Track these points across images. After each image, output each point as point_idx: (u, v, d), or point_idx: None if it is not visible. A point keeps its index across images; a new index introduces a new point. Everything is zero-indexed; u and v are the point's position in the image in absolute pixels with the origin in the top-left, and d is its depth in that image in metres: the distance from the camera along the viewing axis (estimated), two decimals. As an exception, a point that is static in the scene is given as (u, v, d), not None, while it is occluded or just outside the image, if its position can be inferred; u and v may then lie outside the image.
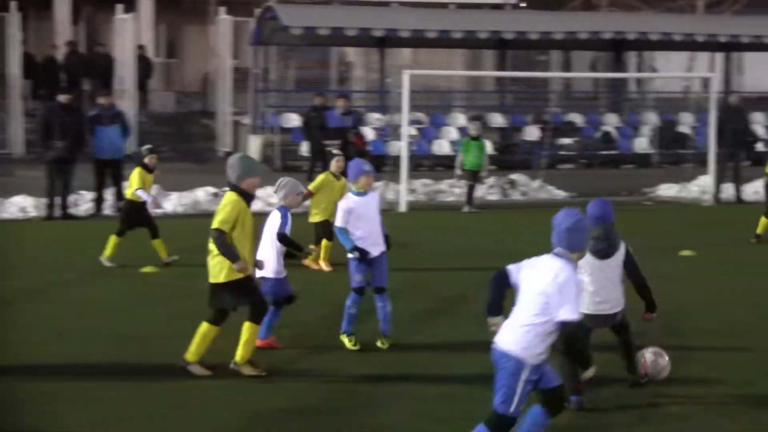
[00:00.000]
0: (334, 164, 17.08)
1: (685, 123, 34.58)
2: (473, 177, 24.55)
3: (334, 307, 13.10)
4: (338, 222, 12.30)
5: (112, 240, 17.34)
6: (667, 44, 35.50)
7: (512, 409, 8.30)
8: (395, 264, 17.31)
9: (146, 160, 17.28)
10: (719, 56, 38.61)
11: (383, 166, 26.33)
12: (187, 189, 24.80)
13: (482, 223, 22.86)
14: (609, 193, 23.93)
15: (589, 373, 8.69)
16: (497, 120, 33.36)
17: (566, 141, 32.83)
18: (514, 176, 27.90)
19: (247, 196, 11.05)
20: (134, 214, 17.39)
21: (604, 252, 10.25)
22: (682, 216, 24.00)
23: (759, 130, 34.22)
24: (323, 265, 16.88)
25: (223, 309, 11.25)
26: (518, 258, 8.60)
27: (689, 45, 36.86)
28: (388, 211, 24.33)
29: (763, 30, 35.29)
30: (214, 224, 10.94)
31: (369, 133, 30.85)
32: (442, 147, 31.93)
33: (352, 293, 12.29)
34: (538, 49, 40.30)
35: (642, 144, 33.42)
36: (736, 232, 20.36)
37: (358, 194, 12.36)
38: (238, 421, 9.99)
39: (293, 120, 31.51)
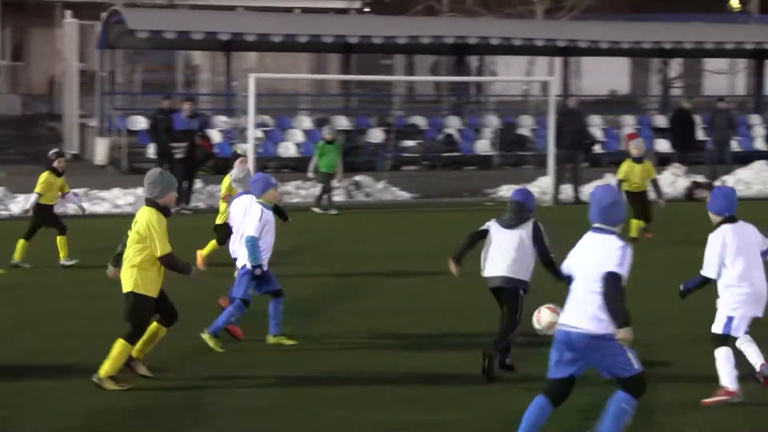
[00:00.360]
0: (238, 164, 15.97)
1: (525, 125, 35.51)
2: (327, 180, 24.91)
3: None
4: (253, 232, 12.30)
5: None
6: (507, 48, 36.42)
7: (637, 366, 8.75)
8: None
9: (54, 164, 17.37)
10: (558, 60, 39.64)
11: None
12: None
13: (330, 224, 23.21)
14: (452, 194, 24.48)
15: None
16: (342, 123, 33.80)
17: (410, 143, 33.44)
18: (358, 178, 28.31)
19: (166, 211, 11.02)
20: (42, 216, 17.36)
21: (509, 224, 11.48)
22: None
23: (596, 132, 35.29)
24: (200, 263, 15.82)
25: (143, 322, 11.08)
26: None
27: (529, 49, 37.85)
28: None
29: (600, 35, 36.45)
30: (161, 252, 10.78)
31: (215, 135, 30.99)
32: (288, 149, 32.23)
33: (241, 304, 12.36)
34: (382, 53, 40.87)
35: (483, 146, 34.21)
36: (575, 232, 20.93)
37: (267, 207, 12.48)
38: (75, 420, 10.12)
39: (140, 123, 31.45)
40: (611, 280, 8.69)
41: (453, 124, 35.01)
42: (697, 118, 32.72)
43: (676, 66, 46.22)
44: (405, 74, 42.55)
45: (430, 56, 42.79)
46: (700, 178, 29.02)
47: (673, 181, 29.37)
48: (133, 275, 10.92)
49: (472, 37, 34.19)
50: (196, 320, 12.49)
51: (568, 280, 9.15)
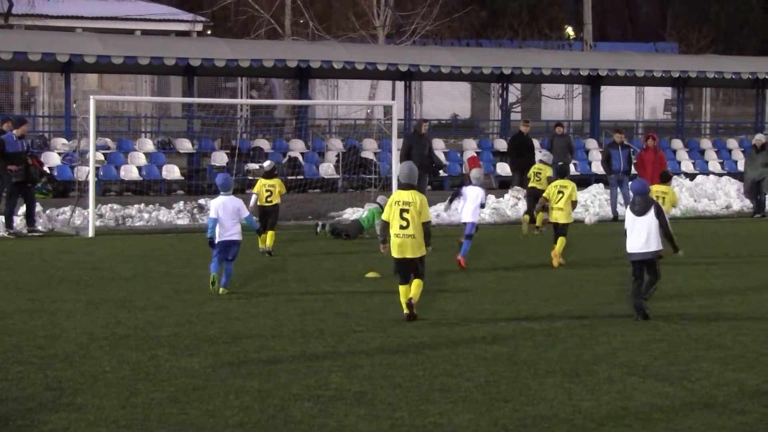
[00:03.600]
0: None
1: (369, 149, 35.67)
2: None
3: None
4: (212, 214, 16.67)
5: None
6: (351, 72, 36.56)
7: None
8: (81, 288, 17.24)
9: None
10: (400, 85, 39.95)
11: (69, 191, 25.86)
12: None
13: (171, 247, 22.88)
14: (296, 217, 24.35)
15: None
16: (185, 145, 33.48)
17: (254, 166, 33.25)
18: (202, 201, 28.02)
19: None
20: None
21: None
22: (371, 240, 24.40)
23: (440, 156, 35.66)
24: None
25: None
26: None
27: (371, 73, 38.06)
28: (74, 236, 24.21)
29: (442, 60, 36.86)
30: None
31: (55, 158, 30.38)
32: (130, 172, 31.74)
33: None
34: (225, 75, 40.65)
35: (327, 169, 34.25)
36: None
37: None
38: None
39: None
40: None
41: (297, 147, 34.97)
42: (536, 142, 33.30)
43: (515, 91, 47.15)
44: (248, 97, 42.34)
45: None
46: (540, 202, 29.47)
47: (514, 204, 29.82)
48: None
49: (315, 60, 34.23)
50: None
51: None
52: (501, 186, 34.00)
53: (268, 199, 21.62)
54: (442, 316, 15.18)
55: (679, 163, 39.15)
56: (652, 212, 14.51)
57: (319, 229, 24.39)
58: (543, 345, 13.31)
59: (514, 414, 10.26)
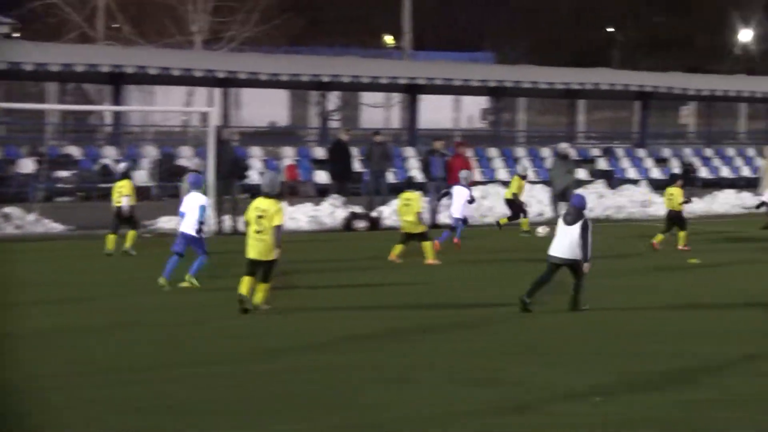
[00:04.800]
0: None
1: (185, 156, 35.04)
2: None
3: None
4: (183, 209, 18.15)
5: None
6: (166, 78, 35.88)
7: None
8: None
9: None
10: (217, 91, 39.43)
11: None
12: None
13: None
14: (106, 226, 23.60)
15: None
16: (-10, 152, 32.33)
17: (63, 174, 32.29)
18: (8, 210, 26.98)
19: None
20: None
21: None
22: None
23: (256, 163, 35.29)
24: None
25: None
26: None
27: (188, 80, 37.43)
28: None
29: (260, 67, 36.50)
30: None
31: None
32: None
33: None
34: (32, 80, 39.42)
35: (142, 177, 33.49)
36: (232, 262, 20.69)
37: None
38: None
39: None
40: None
41: (109, 154, 34.10)
42: (355, 150, 33.24)
43: (334, 99, 47.03)
44: (58, 102, 41.12)
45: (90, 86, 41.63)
46: (358, 209, 29.43)
47: (332, 211, 29.64)
48: None
49: (129, 66, 33.45)
50: None
51: None
52: (319, 194, 33.79)
53: (118, 201, 22.56)
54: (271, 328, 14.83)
55: (495, 171, 39.61)
56: (579, 225, 15.61)
57: None
58: (368, 350, 13.25)
59: (330, 420, 10.19)
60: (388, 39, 69.33)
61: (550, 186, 31.39)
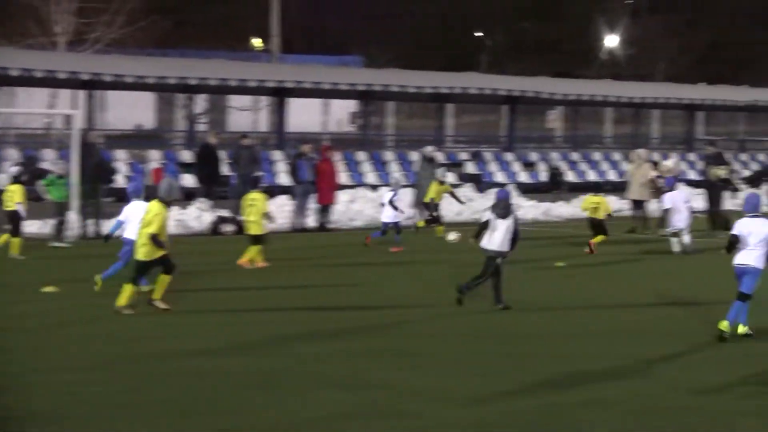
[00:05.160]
0: None
1: (48, 159, 34.28)
2: (61, 210, 25.14)
3: None
4: (121, 217, 17.91)
5: None
6: (29, 80, 35.06)
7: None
8: None
9: None
10: (82, 93, 38.67)
11: None
12: None
13: None
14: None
15: None
16: None
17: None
18: None
19: None
20: None
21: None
22: (50, 254, 23.47)
23: (122, 167, 34.69)
24: None
25: None
26: None
27: (51, 82, 36.64)
28: None
29: (126, 69, 35.93)
30: None
31: None
32: None
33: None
34: None
35: (3, 180, 32.63)
36: (94, 267, 20.33)
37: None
38: None
39: None
40: None
41: (-33, 157, 33.20)
42: (222, 154, 32.91)
43: (201, 102, 46.57)
44: None
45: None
46: (226, 213, 29.12)
47: (199, 215, 29.28)
48: None
49: (-12, 67, 32.62)
50: None
51: None
52: (186, 197, 33.32)
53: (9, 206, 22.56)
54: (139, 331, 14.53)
55: (363, 174, 39.61)
56: (512, 218, 16.50)
57: None
58: (239, 355, 13.13)
59: (182, 425, 10.10)
60: (256, 42, 69.01)
61: (416, 189, 31.47)
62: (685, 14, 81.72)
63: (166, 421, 10.26)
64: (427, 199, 27.88)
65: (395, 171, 31.63)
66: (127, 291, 15.79)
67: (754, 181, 28.70)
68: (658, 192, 28.71)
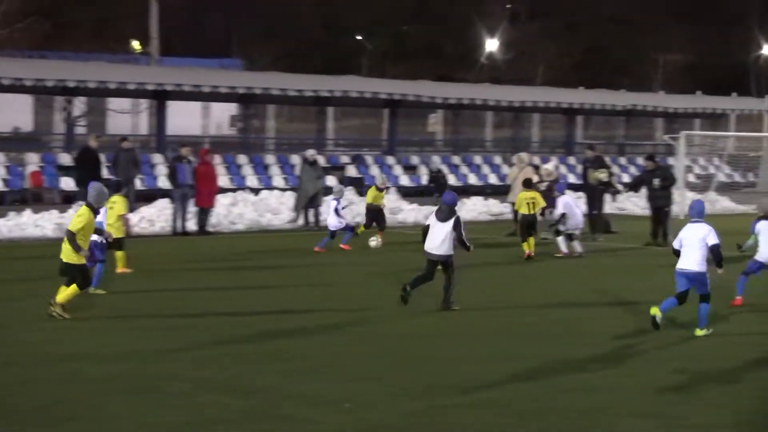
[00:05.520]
0: None
1: None
2: None
3: None
4: (100, 218, 17.11)
5: None
6: None
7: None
8: None
9: None
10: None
11: None
12: None
13: None
14: None
15: None
16: None
17: None
18: None
19: None
20: None
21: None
22: None
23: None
24: None
25: None
26: None
27: None
28: None
29: (2, 71, 35.40)
30: None
31: None
32: None
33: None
34: None
35: None
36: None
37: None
38: None
39: None
40: None
41: None
42: (102, 156, 32.41)
43: (80, 104, 45.83)
44: None
45: None
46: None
47: (77, 219, 28.74)
48: None
49: None
50: None
51: None
52: (66, 201, 32.80)
53: None
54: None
55: (244, 178, 39.38)
56: (452, 221, 16.49)
57: None
58: (111, 361, 12.91)
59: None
60: (136, 45, 68.19)
61: (298, 192, 31.38)
62: (564, 19, 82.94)
63: (36, 429, 10.06)
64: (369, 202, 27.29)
65: (337, 178, 31.44)
66: (69, 290, 15.46)
67: (635, 185, 29.05)
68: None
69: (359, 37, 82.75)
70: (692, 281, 14.97)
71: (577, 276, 21.58)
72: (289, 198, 32.83)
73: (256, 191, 34.85)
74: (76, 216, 15.60)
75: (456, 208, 16.87)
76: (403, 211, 33.44)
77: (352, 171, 41.96)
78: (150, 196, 32.96)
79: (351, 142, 50.57)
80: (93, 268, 17.52)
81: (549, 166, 30.71)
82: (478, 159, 47.15)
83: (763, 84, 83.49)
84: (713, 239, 14.91)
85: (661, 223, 27.19)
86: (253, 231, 29.89)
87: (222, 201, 30.99)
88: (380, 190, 26.74)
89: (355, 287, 19.61)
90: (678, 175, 31.23)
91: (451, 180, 43.14)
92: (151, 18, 50.68)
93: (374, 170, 42.66)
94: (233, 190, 34.68)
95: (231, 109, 55.99)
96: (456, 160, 46.35)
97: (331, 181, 38.08)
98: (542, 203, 24.59)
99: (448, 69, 72.44)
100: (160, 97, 39.72)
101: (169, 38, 61.79)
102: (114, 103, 50.73)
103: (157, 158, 38.46)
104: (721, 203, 41.99)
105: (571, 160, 48.58)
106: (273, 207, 32.26)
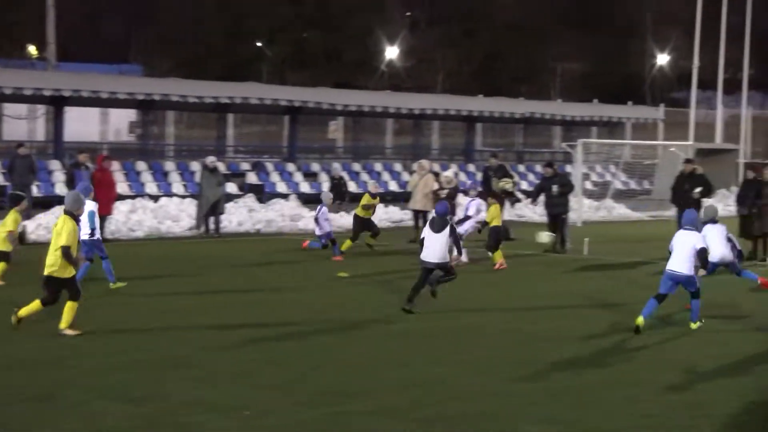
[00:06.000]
0: None
1: None
2: None
3: None
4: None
5: None
6: None
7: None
8: None
9: None
10: None
11: None
12: None
13: None
14: None
15: None
16: None
17: None
18: None
19: None
20: None
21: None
22: None
23: None
24: None
25: None
26: None
27: None
28: None
29: None
30: None
31: None
32: None
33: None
34: None
35: None
36: None
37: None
38: None
39: None
40: None
41: None
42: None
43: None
44: None
45: None
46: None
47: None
48: None
49: None
50: None
51: None
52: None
53: None
54: None
55: (143, 184, 38.98)
56: (447, 230, 17.46)
57: None
58: (3, 369, 12.72)
59: None
60: (32, 50, 67.18)
61: (198, 199, 31.17)
62: (463, 26, 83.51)
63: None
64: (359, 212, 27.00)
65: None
66: (70, 308, 15.07)
67: (537, 194, 29.28)
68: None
69: (260, 44, 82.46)
70: (681, 282, 16.25)
71: (486, 283, 21.72)
72: (189, 205, 32.58)
73: (155, 198, 34.51)
74: (63, 230, 14.88)
75: (448, 217, 17.85)
76: (303, 218, 33.36)
77: (252, 178, 41.75)
78: (47, 203, 32.46)
79: (251, 149, 50.29)
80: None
81: (449, 174, 30.86)
82: (378, 166, 47.24)
83: (657, 93, 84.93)
84: (701, 244, 16.27)
85: (559, 230, 27.48)
86: (153, 238, 29.59)
87: (121, 208, 30.64)
88: (374, 196, 26.99)
89: (270, 294, 19.52)
90: (575, 182, 31.56)
91: (352, 187, 43.12)
92: (48, 23, 49.90)
93: (275, 177, 42.52)
94: (132, 197, 34.29)
95: (130, 115, 55.40)
96: (356, 167, 46.39)
97: (231, 188, 37.88)
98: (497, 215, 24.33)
99: (348, 76, 72.54)
100: (57, 103, 39.15)
101: (67, 43, 60.99)
102: (10, 108, 49.85)
103: (55, 165, 37.90)
104: (618, 210, 42.60)
105: (471, 167, 48.88)
106: (173, 214, 31.98)
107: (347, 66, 77.51)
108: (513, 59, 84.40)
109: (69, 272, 15.01)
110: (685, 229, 16.52)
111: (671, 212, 29.48)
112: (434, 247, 17.53)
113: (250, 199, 35.88)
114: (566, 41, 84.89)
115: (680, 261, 16.25)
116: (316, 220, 25.92)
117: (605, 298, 19.66)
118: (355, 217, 26.82)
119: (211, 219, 30.71)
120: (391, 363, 13.64)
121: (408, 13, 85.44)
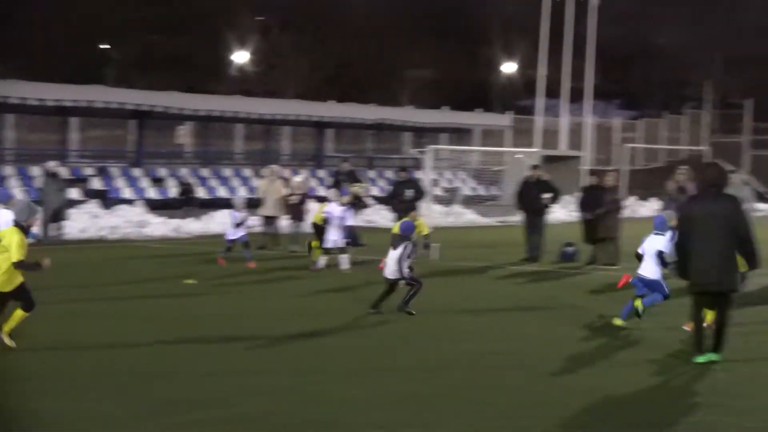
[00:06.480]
0: None
1: None
2: None
3: None
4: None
5: None
6: None
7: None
8: None
9: None
10: None
11: None
12: None
13: None
14: None
15: None
16: None
17: None
18: None
19: None
20: None
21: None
22: None
23: None
24: None
25: None
26: None
27: None
28: None
29: None
30: None
31: None
32: None
33: None
34: None
35: None
36: None
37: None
38: None
39: None
40: None
41: None
42: None
43: None
44: None
45: None
46: None
47: None
48: None
49: None
50: None
51: None
52: None
53: None
54: None
55: (-16, 190, 37.66)
56: (402, 247, 18.20)
57: None
58: None
59: None
60: None
61: (41, 206, 30.21)
62: (316, 32, 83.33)
63: None
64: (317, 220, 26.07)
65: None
66: (18, 316, 14.50)
67: (388, 200, 29.20)
68: (290, 208, 28.84)
69: (106, 46, 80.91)
70: (648, 286, 16.72)
71: (333, 289, 21.46)
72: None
73: (-7, 204, 33.26)
74: (13, 244, 14.25)
75: (409, 235, 18.48)
76: (150, 225, 32.63)
77: (96, 183, 40.73)
78: None
79: (96, 154, 49.08)
80: None
81: (299, 179, 30.51)
82: (227, 171, 46.63)
83: (506, 101, 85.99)
84: (662, 247, 16.65)
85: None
86: None
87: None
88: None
89: (125, 300, 18.90)
90: (425, 188, 31.41)
91: (201, 193, 42.43)
92: None
93: (120, 182, 41.56)
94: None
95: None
96: (205, 172, 45.69)
97: (74, 193, 36.85)
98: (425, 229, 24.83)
99: (197, 80, 71.56)
100: None
101: None
102: None
103: None
104: (466, 216, 42.80)
105: (321, 173, 48.61)
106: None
107: (196, 70, 76.48)
108: (364, 66, 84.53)
109: (11, 285, 14.45)
110: (654, 233, 16.92)
111: (518, 218, 29.60)
112: (389, 262, 18.35)
113: (93, 205, 34.95)
114: (417, 49, 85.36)
115: (646, 265, 16.78)
116: (237, 225, 25.17)
117: (454, 303, 19.54)
118: (314, 225, 25.88)
119: (53, 225, 29.80)
120: (246, 372, 13.26)
121: (260, 18, 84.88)
